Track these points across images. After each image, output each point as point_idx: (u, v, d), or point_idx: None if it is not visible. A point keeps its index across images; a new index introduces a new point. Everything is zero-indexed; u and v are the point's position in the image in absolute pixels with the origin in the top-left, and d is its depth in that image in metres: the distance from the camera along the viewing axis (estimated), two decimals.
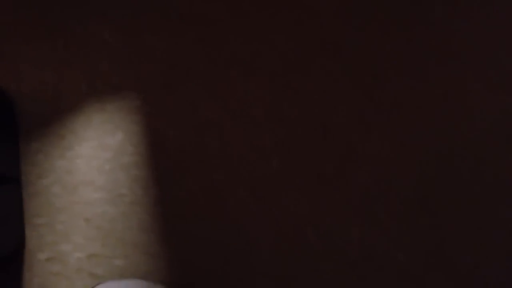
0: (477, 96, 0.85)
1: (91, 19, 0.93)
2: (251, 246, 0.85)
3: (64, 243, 0.86)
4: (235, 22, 0.91)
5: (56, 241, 0.86)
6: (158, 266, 0.86)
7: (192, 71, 0.91)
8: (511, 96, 0.85)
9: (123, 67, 0.92)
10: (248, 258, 0.85)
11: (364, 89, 0.87)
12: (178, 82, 0.91)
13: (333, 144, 0.86)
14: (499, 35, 0.87)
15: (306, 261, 0.84)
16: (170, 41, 0.92)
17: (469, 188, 0.83)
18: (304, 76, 0.89)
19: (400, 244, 0.83)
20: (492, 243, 0.82)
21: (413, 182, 0.84)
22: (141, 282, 0.82)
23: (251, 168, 0.87)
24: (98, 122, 0.88)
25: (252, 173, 0.87)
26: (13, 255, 0.86)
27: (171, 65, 0.91)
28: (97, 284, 0.79)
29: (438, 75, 0.86)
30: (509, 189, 0.83)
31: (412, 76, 0.87)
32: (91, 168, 0.87)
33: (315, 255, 0.84)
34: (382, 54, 0.88)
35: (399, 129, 0.86)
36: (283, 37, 0.90)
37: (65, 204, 0.86)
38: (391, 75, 0.87)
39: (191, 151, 0.89)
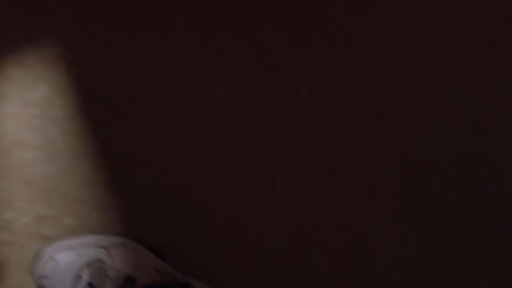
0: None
1: None
2: (201, 188, 0.82)
3: (7, 210, 0.82)
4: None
5: None
6: (109, 219, 0.83)
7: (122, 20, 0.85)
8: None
9: (40, 17, 0.85)
10: (201, 201, 0.82)
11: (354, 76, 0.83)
12: (106, 30, 0.85)
13: (317, 129, 0.82)
14: None
15: (291, 231, 0.82)
16: None
17: (457, 139, 0.81)
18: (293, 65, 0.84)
19: (394, 222, 0.80)
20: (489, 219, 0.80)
21: (399, 157, 0.81)
22: (90, 237, 0.79)
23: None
24: (18, 78, 0.82)
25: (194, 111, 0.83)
26: None
27: (98, 11, 0.85)
28: (44, 247, 0.76)
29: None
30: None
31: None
32: (20, 127, 0.82)
33: (300, 225, 0.81)
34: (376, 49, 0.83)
35: (387, 114, 0.82)
36: (273, 29, 0.85)
37: (0, 169, 0.82)
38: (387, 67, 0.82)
39: (126, 96, 0.84)
